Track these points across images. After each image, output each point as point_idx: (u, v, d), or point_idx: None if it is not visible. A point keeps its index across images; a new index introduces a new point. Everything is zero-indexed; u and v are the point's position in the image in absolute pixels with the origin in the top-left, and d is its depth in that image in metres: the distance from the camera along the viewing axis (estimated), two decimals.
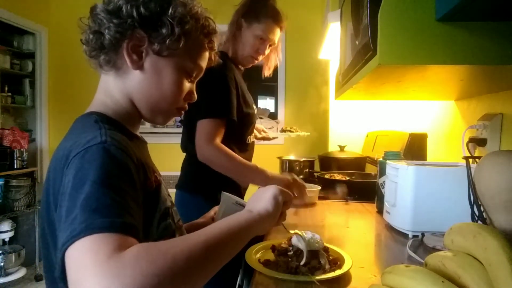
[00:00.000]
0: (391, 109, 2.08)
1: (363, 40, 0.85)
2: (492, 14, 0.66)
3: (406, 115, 1.98)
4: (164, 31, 0.65)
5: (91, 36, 0.66)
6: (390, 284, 0.57)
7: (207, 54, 0.75)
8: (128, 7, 0.63)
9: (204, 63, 0.75)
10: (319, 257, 0.75)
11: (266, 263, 0.78)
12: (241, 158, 1.36)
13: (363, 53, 0.86)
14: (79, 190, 0.48)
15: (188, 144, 1.47)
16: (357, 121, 2.24)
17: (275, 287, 0.69)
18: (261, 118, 3.45)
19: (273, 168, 2.37)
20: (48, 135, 3.77)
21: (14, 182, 3.00)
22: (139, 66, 0.67)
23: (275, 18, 1.44)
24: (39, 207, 3.14)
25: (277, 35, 1.48)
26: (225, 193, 0.92)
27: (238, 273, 1.62)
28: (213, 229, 0.55)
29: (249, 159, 1.59)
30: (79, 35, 0.70)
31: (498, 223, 0.68)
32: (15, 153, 2.94)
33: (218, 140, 1.32)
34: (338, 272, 0.72)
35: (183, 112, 0.77)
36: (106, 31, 0.64)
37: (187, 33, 0.67)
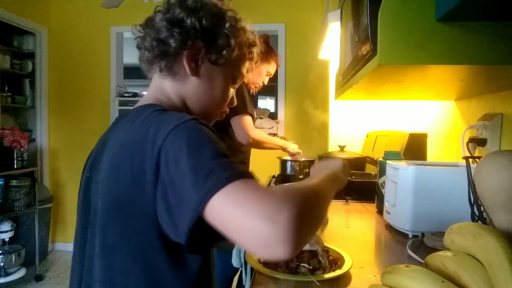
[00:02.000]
0: (391, 109, 2.08)
1: (363, 40, 0.85)
2: (492, 14, 0.66)
3: (406, 115, 1.98)
4: (221, 42, 0.71)
5: (154, 44, 0.70)
6: (390, 284, 0.57)
7: (247, 64, 0.82)
8: (193, 19, 0.69)
9: (245, 72, 0.82)
10: (319, 257, 0.75)
11: (266, 263, 0.78)
12: (267, 135, 2.23)
13: (363, 53, 0.86)
14: (202, 150, 0.53)
15: None
16: (357, 121, 2.24)
17: (275, 287, 0.69)
18: (261, 118, 3.45)
19: (273, 168, 2.38)
20: (48, 135, 3.77)
21: (14, 182, 3.00)
22: (196, 73, 0.72)
23: (277, 61, 2.14)
24: (40, 207, 3.14)
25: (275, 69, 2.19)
26: None
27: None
28: (316, 176, 0.63)
29: (248, 153, 2.10)
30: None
31: (498, 223, 0.68)
32: (15, 153, 2.94)
33: (253, 128, 1.92)
34: (338, 272, 0.72)
35: (224, 115, 0.83)
36: (172, 40, 0.69)
37: (239, 45, 0.74)
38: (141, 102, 0.74)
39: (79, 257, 0.67)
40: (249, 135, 1.87)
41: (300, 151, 2.20)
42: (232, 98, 0.82)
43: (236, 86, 0.82)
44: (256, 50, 0.82)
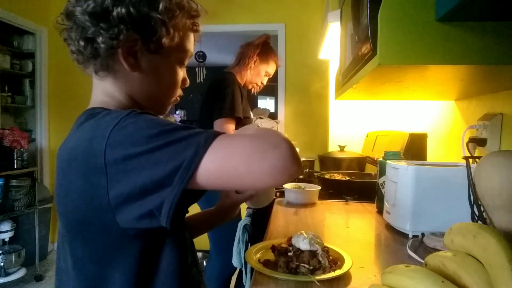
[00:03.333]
0: (391, 109, 2.08)
1: (363, 40, 0.85)
2: (492, 14, 0.66)
3: (406, 115, 1.98)
4: (157, 30, 0.63)
5: (82, 44, 0.62)
6: (390, 284, 0.57)
7: (192, 37, 0.73)
8: (119, 10, 0.60)
9: (192, 47, 0.74)
10: (319, 257, 0.75)
11: (266, 263, 0.78)
12: None
13: (363, 53, 0.86)
14: (161, 134, 0.51)
15: None
16: (357, 121, 2.24)
17: (275, 287, 0.69)
18: (261, 118, 3.45)
19: None
20: (48, 135, 3.77)
21: (14, 182, 2.99)
22: (136, 67, 0.66)
23: (277, 61, 2.13)
24: (40, 207, 3.14)
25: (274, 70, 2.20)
26: None
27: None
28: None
29: None
30: None
31: (498, 223, 0.68)
32: (15, 153, 2.94)
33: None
34: (338, 272, 0.72)
35: (179, 98, 0.78)
36: (100, 38, 0.61)
37: (178, 26, 0.66)
38: (89, 105, 0.69)
39: (62, 270, 0.66)
40: None
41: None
42: (185, 79, 0.76)
43: (185, 66, 0.75)
44: (200, 21, 0.73)
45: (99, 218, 0.54)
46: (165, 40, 0.64)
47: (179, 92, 0.75)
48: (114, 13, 0.60)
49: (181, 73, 0.74)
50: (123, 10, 0.60)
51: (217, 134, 0.52)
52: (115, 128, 0.52)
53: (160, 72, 0.69)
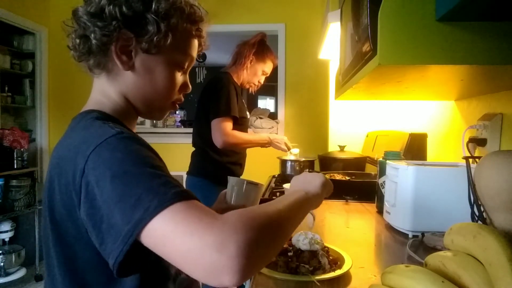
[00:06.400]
0: (391, 109, 2.08)
1: (363, 40, 0.85)
2: (492, 14, 0.66)
3: (406, 115, 1.98)
4: (150, 28, 0.63)
5: (77, 41, 0.65)
6: (390, 284, 0.57)
7: (196, 42, 0.73)
8: (111, 8, 0.61)
9: (194, 53, 0.74)
10: (319, 257, 0.75)
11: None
12: (246, 135, 2.06)
13: (363, 53, 0.86)
14: (125, 177, 0.49)
15: (197, 139, 2.05)
16: (357, 121, 2.24)
17: (275, 287, 0.69)
18: (261, 118, 3.45)
19: (273, 168, 2.38)
20: (48, 135, 3.77)
21: (14, 182, 2.99)
22: (130, 66, 0.66)
23: (274, 60, 2.11)
24: (39, 207, 3.14)
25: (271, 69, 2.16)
26: (233, 177, 0.94)
27: None
28: (285, 199, 0.61)
29: (244, 153, 2.13)
30: None
31: (498, 223, 0.68)
32: (15, 153, 2.94)
33: (228, 133, 1.87)
34: (338, 272, 0.72)
35: (178, 105, 0.77)
36: (92, 35, 0.62)
37: (174, 28, 0.65)
38: (85, 106, 0.69)
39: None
40: (223, 140, 1.86)
41: (285, 137, 2.19)
42: (186, 84, 0.75)
43: (187, 70, 0.74)
44: (204, 26, 0.73)
45: (74, 224, 0.55)
46: (157, 39, 0.64)
47: (177, 96, 0.74)
48: (107, 11, 0.61)
49: (181, 77, 0.73)
50: (116, 8, 0.61)
51: (174, 201, 0.46)
52: (95, 150, 0.52)
53: (154, 73, 0.68)
